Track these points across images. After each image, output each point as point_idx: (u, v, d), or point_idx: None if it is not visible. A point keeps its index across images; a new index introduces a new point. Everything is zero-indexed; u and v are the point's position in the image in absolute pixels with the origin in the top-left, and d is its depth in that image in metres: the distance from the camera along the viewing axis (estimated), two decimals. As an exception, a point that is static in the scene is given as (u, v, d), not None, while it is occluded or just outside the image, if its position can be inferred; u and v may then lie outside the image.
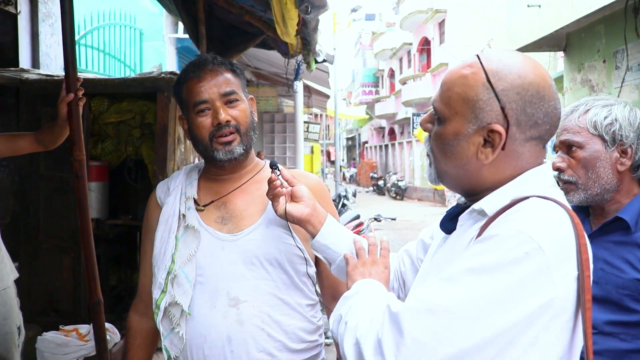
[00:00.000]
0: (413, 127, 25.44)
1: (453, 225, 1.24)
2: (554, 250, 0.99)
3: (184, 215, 1.71)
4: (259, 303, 1.62)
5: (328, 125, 40.91)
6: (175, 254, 1.65)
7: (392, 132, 35.91)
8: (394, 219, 6.97)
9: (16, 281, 4.34)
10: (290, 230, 1.65)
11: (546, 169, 1.16)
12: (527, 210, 1.05)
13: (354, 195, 18.25)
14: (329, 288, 1.83)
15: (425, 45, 28.68)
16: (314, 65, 5.23)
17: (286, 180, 1.56)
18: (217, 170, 1.75)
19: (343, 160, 51.40)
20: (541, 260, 0.97)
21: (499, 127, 1.09)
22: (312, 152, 20.66)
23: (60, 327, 2.43)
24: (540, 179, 1.14)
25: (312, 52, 4.63)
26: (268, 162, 1.79)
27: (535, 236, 0.98)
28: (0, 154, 2.64)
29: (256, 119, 1.77)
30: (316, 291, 1.78)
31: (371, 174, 32.99)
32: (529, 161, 1.14)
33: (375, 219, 6.59)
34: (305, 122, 17.49)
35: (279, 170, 1.56)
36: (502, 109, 1.10)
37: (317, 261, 1.75)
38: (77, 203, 2.06)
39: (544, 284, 0.96)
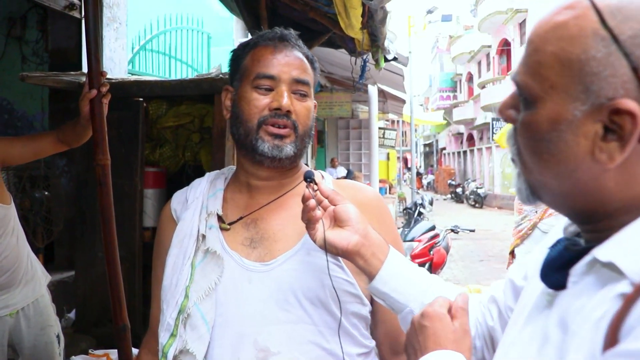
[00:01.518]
0: (493, 132, 24.58)
1: (561, 279, 0.77)
2: None
3: (203, 236, 1.35)
4: (296, 355, 1.24)
5: (405, 132, 40.30)
6: (190, 286, 1.30)
7: (470, 137, 34.96)
8: (472, 231, 6.47)
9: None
10: (339, 259, 1.27)
11: None
12: None
13: (431, 203, 17.68)
14: (386, 336, 1.40)
15: (505, 47, 27.68)
16: (383, 63, 4.86)
17: (327, 197, 1.19)
18: (253, 170, 1.38)
19: (420, 166, 50.61)
20: None
21: (630, 104, 0.65)
22: (387, 158, 20.34)
23: (90, 351, 2.21)
24: None
25: (380, 48, 4.27)
26: (314, 171, 1.45)
27: None
28: (22, 159, 2.45)
29: (315, 125, 1.45)
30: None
31: (449, 181, 32.22)
32: None
33: (452, 230, 6.15)
34: (380, 128, 17.22)
35: (315, 183, 1.19)
36: (635, 70, 0.66)
37: (371, 297, 1.35)
38: (101, 214, 1.81)
39: None
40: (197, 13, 7.22)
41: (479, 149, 30.23)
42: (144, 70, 6.15)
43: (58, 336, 2.71)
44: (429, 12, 24.56)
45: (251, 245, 1.33)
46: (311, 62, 1.41)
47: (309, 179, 1.20)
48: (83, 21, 4.82)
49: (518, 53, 24.84)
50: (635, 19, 0.67)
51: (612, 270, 0.68)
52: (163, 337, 1.31)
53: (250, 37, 6.83)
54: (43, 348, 2.61)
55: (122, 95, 4.13)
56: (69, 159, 4.73)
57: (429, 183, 40.22)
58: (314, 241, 1.17)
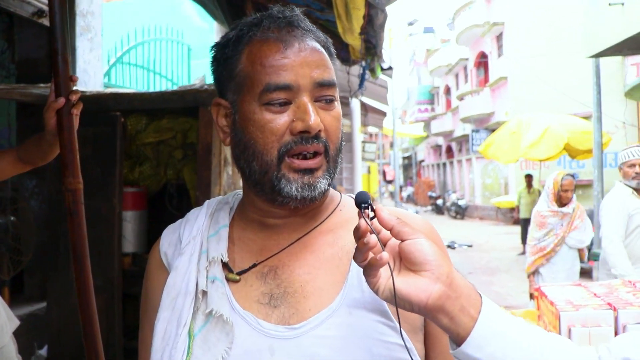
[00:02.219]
0: (472, 144, 24.56)
1: None
2: None
3: (204, 293, 1.01)
4: None
5: (383, 145, 40.29)
6: None
7: (449, 149, 35.00)
8: (470, 246, 6.21)
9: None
10: (392, 317, 0.95)
11: None
12: None
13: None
14: None
15: (482, 60, 27.79)
16: (379, 72, 4.60)
17: (390, 229, 0.86)
18: (270, 209, 1.05)
19: (399, 179, 50.65)
20: None
21: None
22: (369, 172, 20.17)
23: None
24: None
25: (377, 56, 4.00)
26: (348, 196, 1.12)
27: None
28: None
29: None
30: None
31: (429, 193, 32.23)
32: None
33: (449, 247, 5.88)
34: (362, 141, 17.05)
35: (372, 209, 0.86)
36: None
37: None
38: (72, 249, 1.48)
39: None
40: (176, 24, 6.92)
41: (459, 161, 30.29)
42: (120, 84, 5.83)
43: (22, 391, 2.33)
44: (410, 24, 24.54)
45: (271, 303, 0.99)
46: (327, 48, 1.05)
47: (364, 204, 0.86)
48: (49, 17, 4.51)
49: (495, 65, 24.91)
50: None
51: None
52: None
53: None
54: None
55: (98, 109, 3.82)
56: (39, 178, 4.38)
57: (408, 195, 40.18)
58: (377, 293, 0.85)
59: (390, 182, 31.37)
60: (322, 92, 0.99)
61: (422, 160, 44.98)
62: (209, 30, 7.89)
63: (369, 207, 0.86)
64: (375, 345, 0.93)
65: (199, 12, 7.54)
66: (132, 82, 6.04)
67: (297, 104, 0.97)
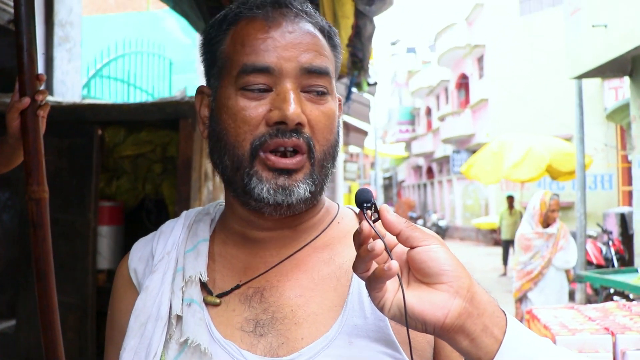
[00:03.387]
0: (453, 165, 24.67)
1: None
2: None
3: (178, 318, 0.87)
4: None
5: (364, 165, 40.41)
6: None
7: (429, 170, 35.17)
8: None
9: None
10: (398, 346, 0.82)
11: None
12: None
13: (395, 236, 17.51)
14: None
15: (463, 80, 28.06)
16: (366, 87, 4.52)
17: (397, 234, 0.72)
18: (250, 218, 0.91)
19: (380, 199, 50.73)
20: None
21: None
22: (350, 191, 20.11)
23: None
24: None
25: (364, 70, 3.91)
26: (347, 208, 0.99)
27: None
28: None
29: (341, 135, 0.97)
30: None
31: (410, 214, 32.26)
32: None
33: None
34: (343, 161, 17.01)
35: (376, 209, 0.73)
36: None
37: None
38: (34, 267, 1.34)
39: None
40: (158, 38, 6.83)
41: (439, 182, 30.41)
42: (100, 96, 5.70)
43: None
44: (393, 44, 24.73)
45: (256, 331, 0.86)
46: (329, 36, 0.92)
47: (367, 203, 0.72)
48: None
49: (476, 87, 25.14)
50: None
51: None
52: None
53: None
54: None
55: (75, 120, 3.68)
56: (12, 191, 4.22)
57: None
58: (382, 310, 0.71)
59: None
60: (312, 80, 0.86)
61: (403, 181, 45.13)
62: (191, 46, 7.82)
63: (373, 207, 0.72)
64: None
65: (181, 27, 7.44)
66: (112, 95, 5.92)
67: (277, 90, 0.85)
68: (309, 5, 0.92)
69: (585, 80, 9.01)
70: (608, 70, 8.01)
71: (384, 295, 0.70)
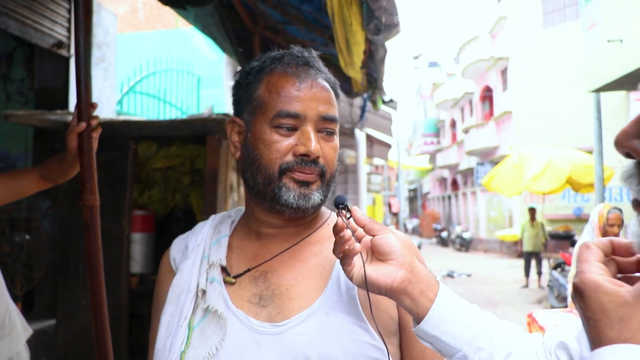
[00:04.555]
0: (477, 177, 24.66)
1: None
2: None
3: (203, 292, 1.16)
4: None
5: (389, 177, 40.43)
6: (187, 352, 1.10)
7: (454, 182, 35.08)
8: (469, 275, 6.31)
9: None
10: (365, 320, 1.10)
11: None
12: None
13: (419, 247, 17.58)
14: None
15: (487, 93, 28.04)
16: (380, 104, 4.77)
17: (363, 226, 1.01)
18: (267, 219, 1.20)
19: (405, 211, 50.60)
20: None
21: None
22: (374, 203, 20.24)
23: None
24: None
25: (378, 89, 4.19)
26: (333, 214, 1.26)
27: None
28: (2, 200, 2.22)
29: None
30: None
31: (434, 226, 32.20)
32: None
33: (449, 276, 5.97)
34: (367, 173, 17.17)
35: (348, 210, 1.02)
36: None
37: None
38: (87, 261, 1.63)
39: None
40: (187, 56, 7.16)
41: (464, 194, 30.32)
42: (132, 112, 6.03)
43: (36, 397, 2.45)
44: (415, 58, 24.86)
45: (260, 303, 1.13)
46: (335, 90, 1.21)
47: (341, 205, 1.01)
48: (72, 50, 4.70)
49: (500, 99, 25.14)
50: None
51: None
52: None
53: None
54: None
55: (111, 135, 3.98)
56: (52, 200, 4.54)
57: (414, 227, 40.14)
58: (351, 279, 0.99)
59: (395, 214, 31.46)
60: (325, 124, 1.15)
61: (428, 193, 44.99)
62: (218, 62, 8.13)
63: (346, 207, 1.01)
64: (349, 343, 1.07)
65: (209, 45, 7.76)
66: (144, 110, 6.24)
67: (302, 130, 1.12)
68: (323, 64, 1.21)
69: (610, 93, 9.10)
70: (626, 83, 8.12)
71: (352, 269, 0.98)
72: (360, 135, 11.48)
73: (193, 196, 4.07)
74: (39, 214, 4.54)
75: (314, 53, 1.21)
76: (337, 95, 1.22)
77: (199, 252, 1.21)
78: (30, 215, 4.26)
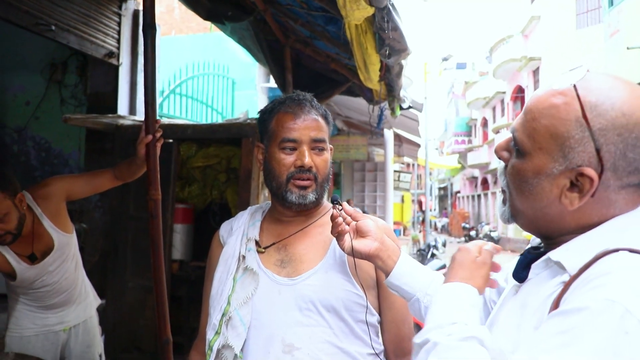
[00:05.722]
0: (507, 177, 24.67)
1: (526, 274, 1.09)
2: None
3: (243, 257, 1.67)
4: (315, 351, 1.54)
5: (420, 175, 40.49)
6: (232, 295, 1.61)
7: (484, 181, 35.07)
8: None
9: (102, 318, 4.52)
10: (351, 277, 1.58)
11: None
12: (619, 271, 0.87)
13: (444, 245, 17.82)
14: (390, 343, 1.68)
15: (519, 94, 28.01)
16: (398, 112, 5.17)
17: (349, 215, 1.47)
18: (284, 211, 1.71)
19: (435, 210, 50.56)
20: None
21: (591, 172, 0.95)
22: (402, 201, 20.51)
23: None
24: (632, 227, 0.96)
25: (396, 98, 4.59)
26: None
27: (634, 308, 0.82)
28: (84, 194, 2.77)
29: (332, 169, 1.74)
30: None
31: (463, 224, 32.18)
32: (622, 209, 0.98)
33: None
34: (396, 171, 17.41)
35: (340, 205, 1.47)
36: (598, 151, 0.94)
37: (379, 312, 1.67)
38: (150, 241, 2.08)
39: None
40: (222, 60, 7.62)
41: (493, 193, 30.29)
42: (172, 113, 6.52)
43: (100, 355, 2.96)
44: (444, 59, 24.99)
45: (281, 265, 1.64)
46: (325, 118, 1.70)
47: (335, 201, 1.48)
48: (122, 59, 5.19)
49: (532, 99, 25.10)
50: (604, 117, 0.94)
51: (559, 267, 1.00)
52: (209, 334, 1.62)
53: (272, 82, 7.15)
54: None
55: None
56: (102, 194, 5.04)
57: (443, 226, 40.15)
58: (343, 250, 1.44)
59: (423, 211, 31.60)
60: (316, 144, 1.65)
61: (458, 192, 44.90)
62: (251, 65, 8.55)
63: (338, 203, 1.47)
64: (340, 291, 1.57)
65: (243, 49, 8.22)
66: (183, 112, 6.72)
67: (299, 150, 1.63)
68: (315, 100, 1.72)
69: None
70: (646, 89, 8.30)
71: (344, 243, 1.43)
72: (388, 134, 11.78)
73: (228, 192, 4.50)
74: (90, 206, 5.05)
75: (308, 96, 1.71)
76: (327, 121, 1.71)
77: (241, 231, 1.74)
78: (83, 206, 4.76)
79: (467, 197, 39.16)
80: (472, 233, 28.96)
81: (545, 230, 1.06)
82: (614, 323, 0.82)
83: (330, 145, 1.73)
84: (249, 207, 1.85)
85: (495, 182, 31.35)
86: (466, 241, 29.76)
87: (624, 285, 0.85)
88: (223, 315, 1.60)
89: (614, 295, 0.84)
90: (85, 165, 5.15)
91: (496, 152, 1.11)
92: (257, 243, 1.70)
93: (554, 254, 1.01)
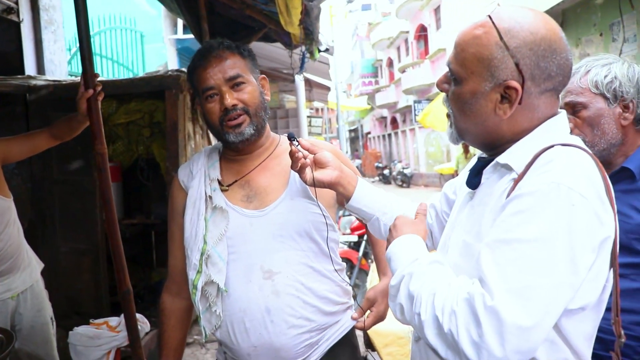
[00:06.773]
0: (415, 115, 25.40)
1: (478, 180, 1.28)
2: (594, 194, 1.06)
3: (210, 197, 1.74)
4: (292, 273, 1.68)
5: (330, 119, 40.85)
6: (207, 235, 1.68)
7: (394, 121, 35.84)
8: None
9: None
10: (315, 199, 1.67)
11: (562, 118, 1.21)
12: (558, 159, 1.09)
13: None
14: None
15: (422, 32, 28.59)
16: (317, 55, 5.25)
17: (307, 150, 1.54)
18: (233, 153, 1.80)
19: (347, 152, 51.35)
20: (588, 208, 1.03)
21: (515, 83, 1.14)
22: (316, 145, 20.74)
23: (91, 321, 2.47)
24: (558, 128, 1.19)
25: (314, 41, 4.66)
26: (284, 136, 1.82)
27: (574, 185, 1.04)
28: (21, 156, 2.70)
29: (268, 97, 1.79)
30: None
31: (376, 164, 32.97)
32: (545, 112, 1.19)
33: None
34: (307, 116, 17.52)
35: (297, 141, 1.55)
36: (517, 65, 1.14)
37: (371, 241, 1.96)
38: (101, 195, 2.10)
39: (596, 229, 1.05)
40: (128, 12, 7.34)
41: (403, 131, 31.10)
42: (78, 72, 6.26)
43: (52, 318, 2.95)
44: (349, 1, 25.00)
45: (248, 200, 1.74)
46: (239, 52, 1.75)
47: (292, 138, 1.56)
48: (22, 16, 4.89)
49: (434, 37, 25.74)
50: (517, 37, 1.15)
51: (507, 168, 1.19)
52: (191, 274, 1.71)
53: (183, 33, 6.99)
54: (39, 329, 2.84)
55: (73, 95, 4.29)
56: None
57: (357, 167, 40.86)
58: (305, 181, 1.52)
59: (338, 155, 31.93)
60: (234, 81, 1.71)
61: (369, 133, 45.65)
62: (157, 17, 8.29)
63: (295, 139, 1.55)
64: (306, 214, 1.71)
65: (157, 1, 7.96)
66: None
67: (220, 94, 1.70)
68: (227, 41, 1.77)
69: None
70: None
71: (306, 176, 1.52)
72: (299, 80, 11.82)
73: (154, 146, 4.48)
74: (7, 175, 4.83)
75: (213, 41, 1.77)
76: (241, 54, 1.76)
77: (202, 173, 1.81)
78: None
79: (378, 137, 39.96)
80: (386, 172, 29.75)
81: (489, 141, 1.25)
82: (561, 198, 1.03)
83: (262, 75, 1.80)
84: (204, 149, 1.93)
85: (404, 121, 32.18)
86: (380, 180, 30.61)
87: (564, 169, 1.06)
88: (202, 254, 1.68)
89: (558, 178, 1.05)
90: (-4, 131, 4.90)
91: (438, 85, 1.29)
92: (219, 182, 1.78)
93: (501, 158, 1.21)
